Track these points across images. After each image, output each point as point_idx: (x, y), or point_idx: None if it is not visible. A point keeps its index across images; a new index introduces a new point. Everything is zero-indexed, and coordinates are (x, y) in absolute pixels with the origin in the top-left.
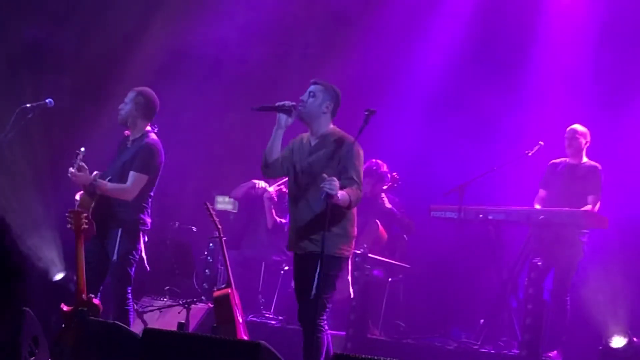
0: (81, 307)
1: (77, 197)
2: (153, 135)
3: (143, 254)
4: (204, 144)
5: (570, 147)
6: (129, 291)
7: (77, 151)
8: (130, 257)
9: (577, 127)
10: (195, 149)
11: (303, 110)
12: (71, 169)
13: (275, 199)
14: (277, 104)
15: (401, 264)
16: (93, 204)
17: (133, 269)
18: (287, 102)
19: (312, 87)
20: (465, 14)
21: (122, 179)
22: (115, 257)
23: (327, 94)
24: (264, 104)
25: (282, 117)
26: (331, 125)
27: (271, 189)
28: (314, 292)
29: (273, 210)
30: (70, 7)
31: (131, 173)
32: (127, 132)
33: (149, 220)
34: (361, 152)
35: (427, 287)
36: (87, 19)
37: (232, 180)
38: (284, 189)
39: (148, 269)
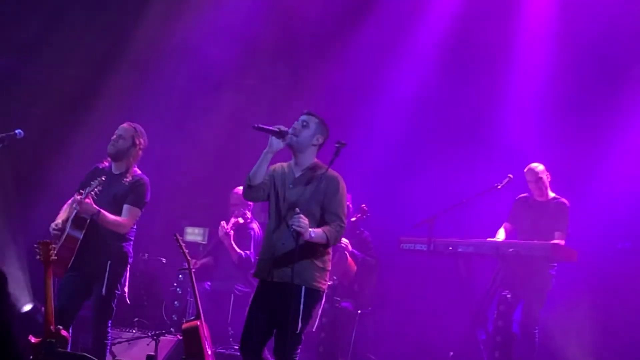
0: (49, 339)
1: (58, 221)
2: (138, 170)
3: (126, 288)
4: (173, 175)
5: (535, 188)
6: (110, 325)
7: (100, 179)
8: (116, 291)
9: (535, 167)
10: (164, 180)
11: (295, 139)
12: (78, 196)
13: (232, 233)
14: (274, 127)
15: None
16: (81, 237)
17: (115, 302)
18: (282, 127)
19: (305, 117)
20: (435, 43)
21: (113, 211)
22: (104, 291)
23: (320, 128)
24: (262, 125)
25: (275, 141)
26: (315, 159)
27: (224, 224)
28: (299, 325)
29: (234, 245)
30: (40, 38)
31: (127, 207)
32: (105, 163)
33: (132, 252)
34: (344, 187)
35: (396, 319)
36: (57, 50)
37: (202, 212)
38: (240, 221)
39: (128, 302)
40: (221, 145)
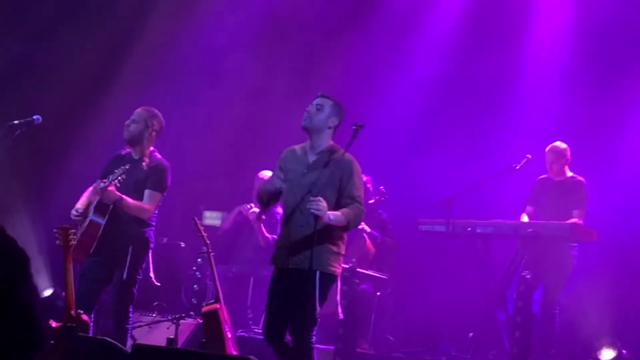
0: (70, 323)
1: (79, 207)
2: (158, 155)
3: (151, 272)
4: (191, 159)
5: (552, 168)
6: (131, 310)
7: (125, 167)
8: (137, 276)
9: (557, 145)
10: (183, 164)
11: (308, 123)
12: (103, 184)
13: (264, 217)
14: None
15: (381, 275)
16: (104, 223)
17: (136, 287)
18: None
19: (319, 100)
20: (452, 20)
21: (135, 197)
22: (125, 276)
23: (335, 110)
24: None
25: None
26: (331, 142)
27: (256, 209)
28: (318, 309)
29: (263, 229)
30: (56, 24)
31: (147, 191)
32: (128, 149)
33: (153, 238)
34: (359, 169)
35: (416, 300)
36: (73, 36)
37: (221, 196)
38: None
39: (158, 284)
40: (239, 130)
